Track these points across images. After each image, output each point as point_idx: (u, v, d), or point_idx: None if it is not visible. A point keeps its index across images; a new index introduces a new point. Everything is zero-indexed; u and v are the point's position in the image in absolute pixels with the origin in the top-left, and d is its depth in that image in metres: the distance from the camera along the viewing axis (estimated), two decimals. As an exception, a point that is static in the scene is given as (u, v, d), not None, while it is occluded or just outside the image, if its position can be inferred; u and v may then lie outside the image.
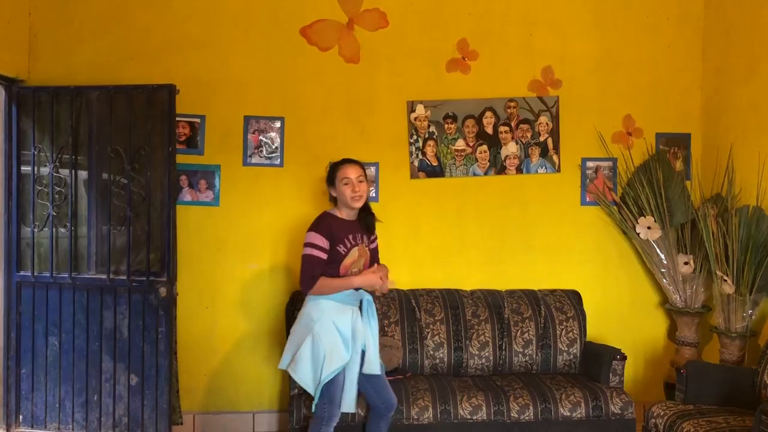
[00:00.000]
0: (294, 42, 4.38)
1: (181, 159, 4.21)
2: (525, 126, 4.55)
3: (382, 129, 4.45)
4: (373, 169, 4.42)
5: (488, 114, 4.52)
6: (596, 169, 4.60)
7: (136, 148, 3.92)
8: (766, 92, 4.07)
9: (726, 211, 4.16)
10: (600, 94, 4.60)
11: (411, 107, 4.47)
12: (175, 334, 3.98)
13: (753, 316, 4.02)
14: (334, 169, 3.40)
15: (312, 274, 3.20)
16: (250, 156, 4.37)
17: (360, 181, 3.34)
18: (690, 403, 3.55)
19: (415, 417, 3.64)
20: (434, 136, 4.49)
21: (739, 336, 4.02)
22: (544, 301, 4.32)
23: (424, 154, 4.49)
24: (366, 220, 3.44)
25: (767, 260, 3.87)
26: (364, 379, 3.36)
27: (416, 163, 4.48)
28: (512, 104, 4.54)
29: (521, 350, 4.17)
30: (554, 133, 4.57)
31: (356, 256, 3.32)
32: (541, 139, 4.57)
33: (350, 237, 3.31)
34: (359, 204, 3.35)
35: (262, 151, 4.37)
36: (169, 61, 4.26)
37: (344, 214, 3.37)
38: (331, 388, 3.22)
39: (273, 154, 4.38)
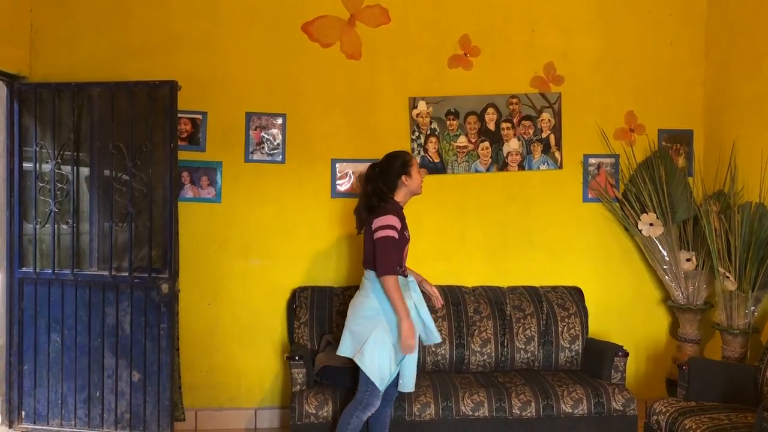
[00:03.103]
0: (296, 38, 4.37)
1: (183, 155, 4.21)
2: (527, 122, 4.54)
3: (383, 125, 4.45)
4: (374, 165, 4.42)
5: (490, 110, 4.52)
6: (598, 166, 4.60)
7: (137, 144, 3.92)
8: (769, 89, 4.06)
9: (728, 208, 4.16)
10: (602, 90, 4.59)
11: (413, 103, 4.47)
12: (176, 330, 3.99)
13: (755, 313, 4.02)
14: (407, 157, 3.45)
15: (393, 256, 3.26)
16: (252, 152, 4.37)
17: None
18: (692, 400, 3.55)
19: (417, 414, 3.64)
20: (436, 133, 4.49)
21: (742, 333, 4.01)
22: (546, 297, 4.32)
23: (426, 150, 4.48)
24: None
25: (770, 257, 3.88)
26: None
27: (418, 160, 4.47)
28: (514, 100, 4.53)
29: (523, 347, 4.17)
30: (556, 129, 4.57)
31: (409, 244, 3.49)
32: (543, 135, 4.56)
33: (406, 224, 3.43)
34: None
35: (263, 148, 4.37)
36: (171, 57, 4.25)
37: (402, 202, 3.45)
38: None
39: (275, 151, 4.38)
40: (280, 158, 4.38)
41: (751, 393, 3.50)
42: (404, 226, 3.38)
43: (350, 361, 3.84)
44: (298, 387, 3.73)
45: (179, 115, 4.05)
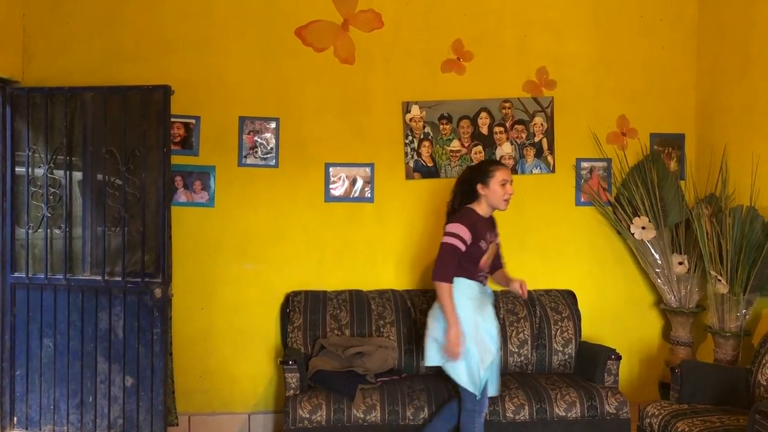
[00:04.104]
0: (289, 43, 4.38)
1: (176, 160, 4.20)
2: (520, 126, 4.56)
3: (377, 130, 4.45)
4: (368, 169, 4.43)
5: (483, 114, 4.53)
6: (591, 170, 4.61)
7: (130, 149, 3.91)
8: (759, 92, 4.09)
9: (720, 211, 4.17)
10: (594, 94, 4.61)
11: (406, 108, 4.48)
12: (170, 335, 3.98)
13: (747, 316, 4.03)
14: (489, 168, 3.46)
15: (450, 264, 3.30)
16: (245, 157, 4.36)
17: (510, 185, 3.45)
18: (684, 403, 3.56)
19: (411, 417, 3.64)
20: (429, 137, 4.50)
21: (733, 335, 4.03)
22: (539, 301, 4.32)
23: (419, 154, 4.49)
24: (492, 219, 3.57)
25: (761, 260, 3.89)
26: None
27: (411, 164, 4.48)
28: (507, 105, 4.55)
29: (516, 350, 4.18)
30: (549, 133, 4.58)
31: (490, 254, 3.48)
32: (536, 139, 4.58)
33: (488, 234, 3.44)
34: (506, 206, 3.45)
35: (257, 152, 4.37)
36: (164, 61, 4.25)
37: (482, 211, 3.46)
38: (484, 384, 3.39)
39: (268, 155, 4.38)
40: (273, 162, 4.38)
41: (743, 395, 3.51)
42: (479, 237, 3.36)
43: (343, 365, 3.87)
44: (292, 391, 3.73)
45: (172, 119, 4.04)
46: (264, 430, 4.37)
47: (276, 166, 4.39)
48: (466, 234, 3.32)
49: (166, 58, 4.26)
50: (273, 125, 4.38)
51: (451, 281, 3.30)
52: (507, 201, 3.44)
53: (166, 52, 4.27)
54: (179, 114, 4.20)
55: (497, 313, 4.21)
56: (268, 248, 4.38)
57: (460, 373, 3.35)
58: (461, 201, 3.49)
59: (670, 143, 4.67)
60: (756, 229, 3.94)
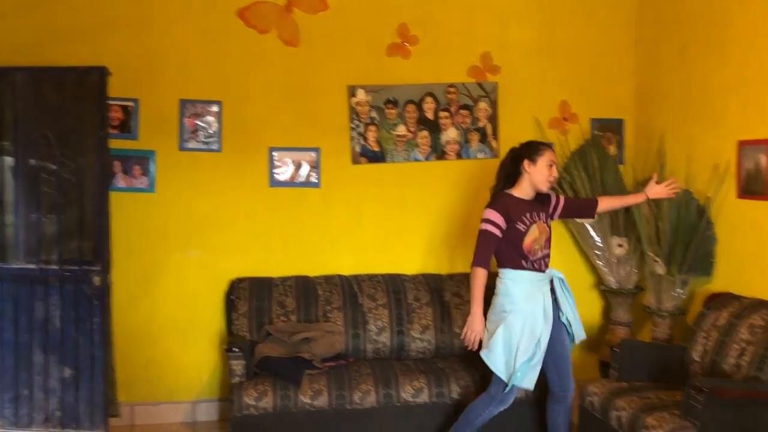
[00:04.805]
0: (231, 24, 4.28)
1: (115, 144, 4.07)
2: (465, 112, 4.58)
3: (323, 114, 4.41)
4: (314, 154, 4.39)
5: (428, 99, 4.53)
6: (534, 154, 4.67)
7: (65, 132, 3.78)
8: (694, 80, 4.20)
9: (657, 195, 4.29)
10: (537, 80, 4.66)
11: (352, 92, 4.44)
12: (110, 324, 3.87)
13: (683, 296, 4.17)
14: (540, 146, 3.39)
15: (483, 249, 3.32)
16: (187, 141, 4.26)
17: (555, 168, 3.40)
18: (624, 381, 3.66)
19: (358, 401, 3.64)
20: (375, 122, 4.48)
21: (670, 315, 4.17)
22: (485, 284, 4.37)
23: (365, 139, 4.47)
24: (540, 197, 3.47)
25: (695, 241, 4.02)
26: (550, 360, 3.40)
27: (358, 149, 4.46)
28: (452, 90, 4.56)
29: (461, 332, 4.21)
30: (493, 118, 4.62)
31: (537, 234, 3.36)
32: (480, 124, 4.61)
33: (528, 215, 3.34)
34: (549, 188, 3.41)
35: (198, 136, 4.27)
36: (101, 41, 4.09)
37: (522, 193, 3.39)
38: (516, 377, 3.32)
39: (210, 139, 4.29)
40: (216, 147, 4.29)
41: (679, 372, 3.63)
42: (515, 219, 3.30)
43: (290, 352, 3.84)
44: (237, 378, 3.68)
45: (110, 102, 3.93)
46: (209, 418, 4.31)
47: (219, 150, 4.30)
48: (497, 218, 3.29)
49: (102, 37, 4.10)
50: (215, 108, 4.28)
51: (483, 266, 3.29)
52: (551, 183, 3.39)
53: (102, 32, 4.11)
54: (117, 96, 4.06)
55: (443, 297, 4.26)
56: (211, 234, 4.30)
57: (496, 359, 3.30)
58: (499, 185, 3.45)
59: (610, 128, 4.78)
60: (691, 212, 4.07)
